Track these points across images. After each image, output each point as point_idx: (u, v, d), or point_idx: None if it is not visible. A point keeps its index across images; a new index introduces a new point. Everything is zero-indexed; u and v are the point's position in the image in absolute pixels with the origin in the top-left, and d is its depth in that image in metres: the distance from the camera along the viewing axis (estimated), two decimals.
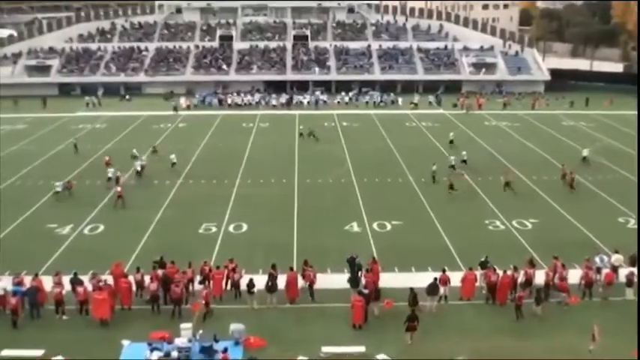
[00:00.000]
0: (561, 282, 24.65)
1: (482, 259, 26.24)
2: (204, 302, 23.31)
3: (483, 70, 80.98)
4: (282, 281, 24.71)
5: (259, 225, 32.80)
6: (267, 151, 48.53)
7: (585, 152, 45.27)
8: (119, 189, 36.44)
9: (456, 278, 25.13)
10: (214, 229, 32.33)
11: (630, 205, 35.36)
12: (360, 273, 25.01)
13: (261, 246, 30.07)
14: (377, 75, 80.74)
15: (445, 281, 24.45)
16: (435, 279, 24.23)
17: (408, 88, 78.74)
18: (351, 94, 73.76)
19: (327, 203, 36.38)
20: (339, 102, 70.68)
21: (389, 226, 32.80)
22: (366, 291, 23.35)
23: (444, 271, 24.94)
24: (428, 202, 36.38)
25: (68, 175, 41.57)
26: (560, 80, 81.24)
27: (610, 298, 24.71)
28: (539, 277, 25.33)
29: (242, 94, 73.08)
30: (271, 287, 24.27)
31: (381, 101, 72.04)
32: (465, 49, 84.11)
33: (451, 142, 50.10)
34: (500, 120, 62.50)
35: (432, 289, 23.98)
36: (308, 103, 70.48)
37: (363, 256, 27.13)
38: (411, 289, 23.41)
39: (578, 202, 36.34)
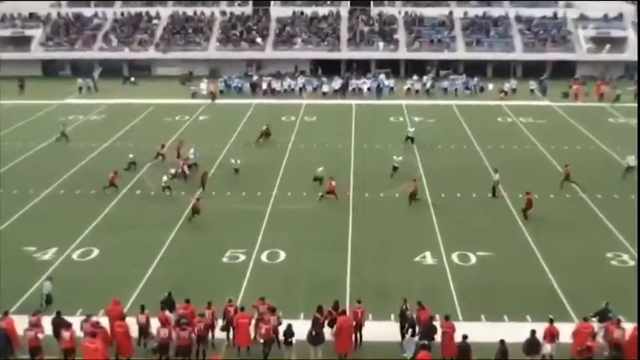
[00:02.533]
0: None
1: (603, 307, 25.83)
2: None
3: (608, 46, 79.75)
4: (330, 329, 24.93)
5: (301, 253, 33.12)
6: (312, 155, 49.01)
7: (631, 161, 43.70)
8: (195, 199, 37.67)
9: (565, 332, 24.80)
10: (242, 258, 32.77)
11: None
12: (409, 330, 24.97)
13: (304, 281, 30.35)
14: (460, 53, 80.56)
15: (551, 335, 24.18)
16: (535, 332, 23.94)
17: (502, 70, 78.26)
18: (425, 78, 73.71)
19: (392, 226, 36.52)
20: (409, 89, 70.74)
21: (473, 259, 32.72)
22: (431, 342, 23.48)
23: (551, 321, 24.65)
24: (527, 228, 36.10)
25: (52, 183, 42.80)
26: None
27: None
28: None
29: (282, 78, 73.98)
30: (316, 337, 24.43)
31: (467, 88, 71.76)
32: (582, 17, 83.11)
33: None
34: (631, 116, 61.25)
35: (532, 346, 23.77)
36: (369, 90, 70.84)
37: (436, 298, 27.07)
38: (501, 342, 23.25)
39: None
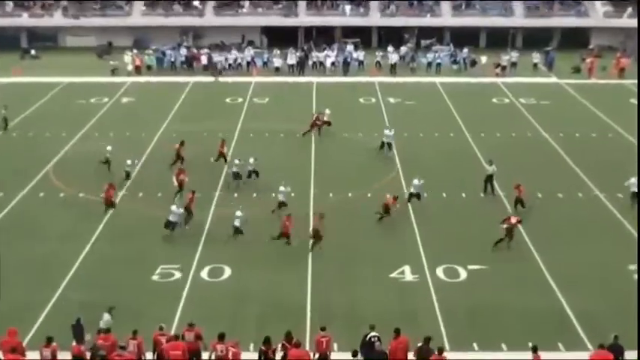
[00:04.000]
0: None
1: (612, 341, 25.95)
2: None
3: (629, 10, 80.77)
4: None
5: (251, 269, 33.01)
6: (263, 146, 48.95)
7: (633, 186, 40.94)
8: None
9: None
10: (177, 275, 32.66)
11: None
12: None
13: (254, 304, 30.27)
14: (446, 18, 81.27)
15: None
16: None
17: (499, 40, 78.92)
18: (403, 50, 74.07)
19: (363, 234, 36.59)
20: (378, 63, 70.93)
21: (463, 274, 32.92)
22: None
23: (534, 350, 24.57)
24: (530, 234, 36.43)
25: None
26: None
27: None
28: None
29: (226, 50, 73.72)
30: None
31: (454, 62, 72.19)
32: None
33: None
34: None
35: None
36: (333, 65, 71.05)
37: (417, 323, 27.27)
38: None
39: None
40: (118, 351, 24.80)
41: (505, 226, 34.85)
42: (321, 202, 40.03)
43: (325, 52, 72.77)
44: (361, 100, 60.88)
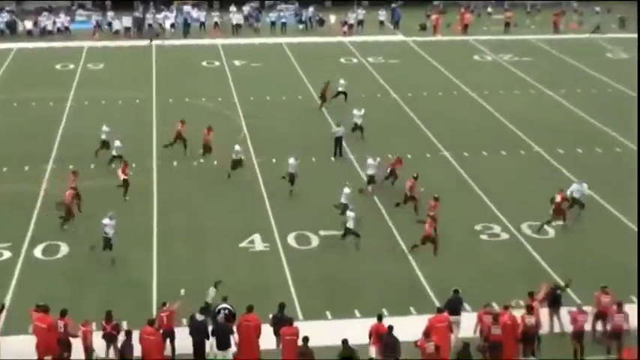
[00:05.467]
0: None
1: (451, 296, 26.87)
2: None
3: None
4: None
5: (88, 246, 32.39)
6: (100, 113, 47.77)
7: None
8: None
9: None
10: (8, 255, 31.86)
11: None
12: None
13: (97, 283, 29.79)
14: None
15: (379, 336, 24.65)
16: (391, 328, 24.56)
17: None
18: (246, 9, 73.81)
19: (209, 203, 36.52)
20: (217, 24, 70.56)
21: (315, 241, 33.28)
22: None
23: (379, 318, 25.00)
24: (380, 199, 37.09)
25: None
26: None
27: None
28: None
29: (53, 13, 71.69)
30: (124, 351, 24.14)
31: (300, 21, 72.34)
32: None
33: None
34: (500, 52, 64.41)
35: (393, 347, 24.35)
36: (172, 26, 70.30)
37: (277, 294, 27.47)
38: (344, 342, 23.76)
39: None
40: None
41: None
42: (165, 172, 39.62)
43: (163, 13, 71.90)
44: (204, 63, 60.49)
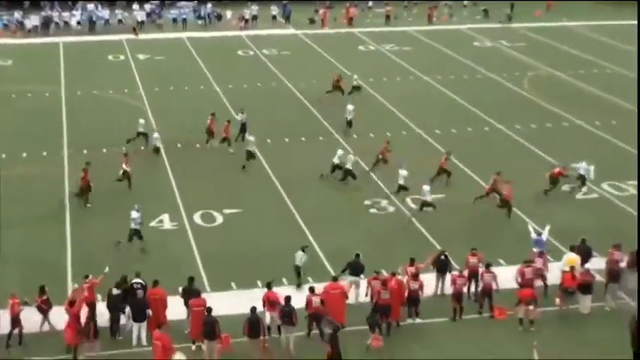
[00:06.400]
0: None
1: (354, 258, 27.31)
2: None
3: None
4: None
5: (5, 228, 31.43)
6: (9, 109, 46.95)
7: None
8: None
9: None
10: None
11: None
12: None
13: (12, 264, 29.11)
14: None
15: (271, 303, 24.93)
16: (288, 298, 24.68)
17: None
18: (148, 7, 72.79)
19: (119, 187, 35.83)
20: (120, 21, 69.53)
21: (220, 219, 33.26)
22: None
23: (268, 286, 25.30)
24: (280, 181, 37.13)
25: None
26: None
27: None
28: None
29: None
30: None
31: (199, 17, 71.74)
32: None
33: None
34: (382, 42, 65.06)
35: (289, 315, 24.41)
36: (78, 23, 68.78)
37: (186, 268, 27.26)
38: (252, 310, 23.83)
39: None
40: None
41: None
42: (76, 160, 38.82)
43: (69, 11, 70.40)
44: (110, 57, 59.43)
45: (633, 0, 68.31)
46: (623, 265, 27.47)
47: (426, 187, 33.20)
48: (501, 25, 71.74)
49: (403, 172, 34.79)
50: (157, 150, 39.43)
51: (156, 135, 39.56)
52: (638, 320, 23.47)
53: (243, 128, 41.27)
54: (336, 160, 36.78)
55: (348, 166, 36.18)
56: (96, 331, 24.31)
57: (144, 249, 30.17)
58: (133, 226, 30.46)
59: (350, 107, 43.28)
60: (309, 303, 24.84)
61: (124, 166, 35.66)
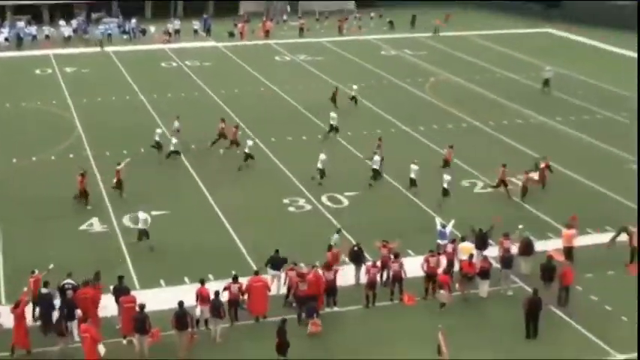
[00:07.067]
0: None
1: (275, 251, 27.54)
2: None
3: None
4: None
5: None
6: None
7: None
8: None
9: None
10: None
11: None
12: None
13: None
14: None
15: (203, 298, 24.99)
16: (217, 292, 24.84)
17: (163, 10, 78.96)
18: (75, 23, 71.70)
19: (51, 192, 35.41)
20: (47, 36, 68.44)
21: (149, 220, 32.97)
22: None
23: (202, 282, 25.36)
24: (204, 182, 37.19)
25: None
26: None
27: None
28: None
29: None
30: None
31: (125, 32, 71.04)
32: None
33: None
34: (296, 52, 65.44)
35: (218, 308, 24.52)
36: (7, 40, 67.52)
37: (116, 268, 27.28)
38: (180, 304, 23.83)
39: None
40: None
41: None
42: (5, 167, 38.26)
43: None
44: (37, 71, 58.35)
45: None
46: (514, 252, 28.42)
47: (447, 177, 34.70)
48: (432, 34, 72.96)
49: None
50: (177, 153, 39.40)
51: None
52: None
53: (174, 134, 41.44)
54: (320, 165, 36.89)
55: (319, 165, 36.52)
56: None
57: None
58: (140, 226, 30.58)
59: (333, 114, 43.65)
60: (228, 290, 25.25)
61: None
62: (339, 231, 29.57)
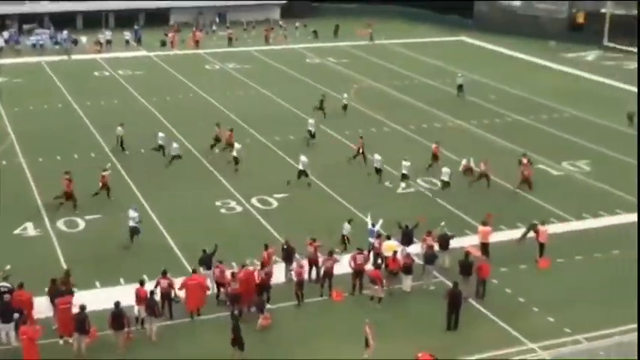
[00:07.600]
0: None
1: (208, 252, 27.33)
2: None
3: None
4: None
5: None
6: None
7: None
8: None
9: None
10: None
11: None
12: None
13: None
14: (45, 5, 77.68)
15: (140, 298, 24.68)
16: (152, 292, 24.52)
17: (94, 21, 77.66)
18: (6, 34, 69.84)
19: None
20: None
21: (82, 224, 32.57)
22: None
23: (141, 283, 25.05)
24: (137, 185, 36.74)
25: None
26: (302, 3, 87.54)
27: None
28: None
29: None
30: None
31: (57, 43, 69.58)
32: None
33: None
34: (225, 61, 65.07)
35: (153, 307, 24.16)
36: None
37: (51, 270, 26.49)
38: (116, 304, 23.50)
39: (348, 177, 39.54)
40: None
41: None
42: None
43: None
44: None
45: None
46: (436, 248, 28.64)
47: (446, 170, 36.39)
48: (371, 43, 73.51)
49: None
50: (178, 157, 39.12)
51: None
52: None
53: (119, 140, 41.15)
54: (300, 167, 36.85)
55: (301, 166, 36.71)
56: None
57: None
58: (131, 224, 30.10)
59: (311, 121, 43.69)
60: (158, 284, 25.13)
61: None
62: (350, 221, 30.29)
